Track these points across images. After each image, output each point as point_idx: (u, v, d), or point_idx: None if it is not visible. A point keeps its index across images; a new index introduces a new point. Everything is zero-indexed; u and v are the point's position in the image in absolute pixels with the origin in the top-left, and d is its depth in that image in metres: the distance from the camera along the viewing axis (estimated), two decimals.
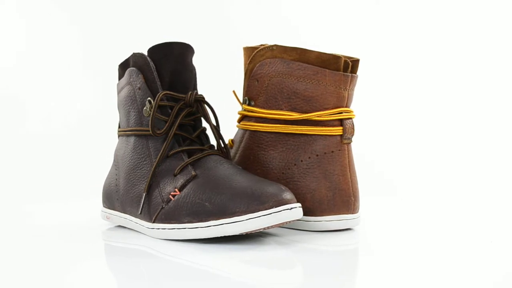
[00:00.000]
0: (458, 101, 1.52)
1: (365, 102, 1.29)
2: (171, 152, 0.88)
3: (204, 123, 0.95)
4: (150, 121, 0.88)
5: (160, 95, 0.88)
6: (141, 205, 0.88)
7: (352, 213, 0.91)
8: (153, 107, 0.88)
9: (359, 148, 1.07)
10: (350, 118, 0.92)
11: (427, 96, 1.53)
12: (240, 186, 0.82)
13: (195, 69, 0.93)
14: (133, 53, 0.92)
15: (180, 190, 0.86)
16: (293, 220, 0.82)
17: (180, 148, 0.88)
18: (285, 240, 0.87)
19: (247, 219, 0.81)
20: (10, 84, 1.51)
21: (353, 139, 0.93)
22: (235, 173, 0.85)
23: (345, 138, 0.92)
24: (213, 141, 0.99)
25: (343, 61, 0.90)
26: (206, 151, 0.89)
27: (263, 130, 0.93)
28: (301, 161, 0.91)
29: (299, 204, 0.83)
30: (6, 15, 1.52)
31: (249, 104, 0.94)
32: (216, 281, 0.70)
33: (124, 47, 1.07)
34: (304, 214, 0.90)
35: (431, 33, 1.55)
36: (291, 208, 0.81)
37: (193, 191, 0.85)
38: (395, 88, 1.55)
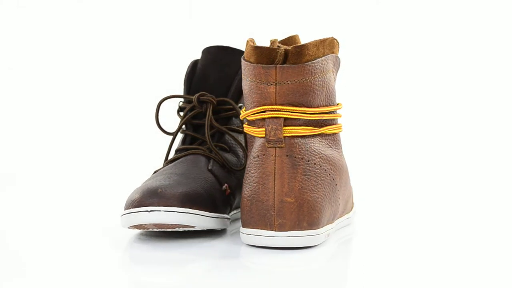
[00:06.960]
0: (456, 101, 1.45)
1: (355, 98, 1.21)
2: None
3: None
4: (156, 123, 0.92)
5: (162, 99, 0.91)
6: None
7: (273, 230, 0.76)
8: (156, 109, 0.92)
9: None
10: (276, 118, 0.76)
11: (422, 94, 1.46)
12: (150, 183, 0.82)
13: (233, 71, 0.91)
14: None
15: None
16: (147, 224, 0.78)
17: (179, 147, 0.90)
18: (206, 245, 0.82)
19: (121, 216, 0.81)
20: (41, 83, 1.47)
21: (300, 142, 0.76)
22: (174, 173, 0.84)
23: (267, 141, 0.76)
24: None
25: (265, 50, 0.76)
26: (186, 151, 0.88)
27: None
28: (247, 164, 0.80)
29: (166, 209, 0.78)
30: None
31: None
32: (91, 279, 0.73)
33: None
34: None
35: (426, 31, 1.48)
36: (150, 211, 0.78)
37: None
38: (385, 82, 1.47)
